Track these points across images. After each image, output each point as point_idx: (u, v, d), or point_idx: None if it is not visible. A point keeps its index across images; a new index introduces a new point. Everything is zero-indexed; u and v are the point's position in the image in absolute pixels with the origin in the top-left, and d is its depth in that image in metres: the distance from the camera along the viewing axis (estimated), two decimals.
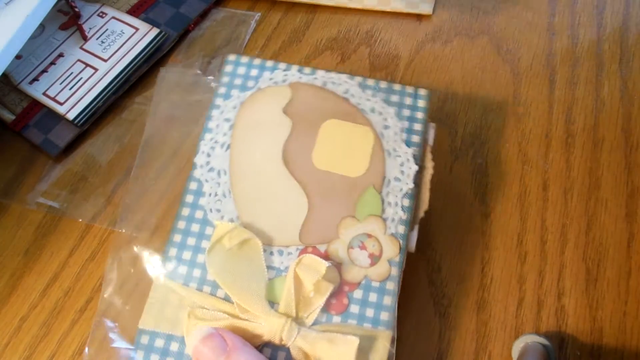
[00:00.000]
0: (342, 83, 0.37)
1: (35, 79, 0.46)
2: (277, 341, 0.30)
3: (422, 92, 0.37)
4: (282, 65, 0.38)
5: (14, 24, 0.43)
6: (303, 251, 0.33)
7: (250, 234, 0.33)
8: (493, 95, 0.44)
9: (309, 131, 0.36)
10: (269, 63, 0.38)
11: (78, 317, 0.37)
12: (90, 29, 0.48)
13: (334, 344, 0.30)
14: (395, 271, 0.32)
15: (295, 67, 0.38)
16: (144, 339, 0.32)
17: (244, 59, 0.39)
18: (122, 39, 0.47)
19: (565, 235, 0.38)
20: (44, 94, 0.45)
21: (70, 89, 0.45)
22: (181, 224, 0.34)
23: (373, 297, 0.32)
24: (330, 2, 0.49)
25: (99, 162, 0.43)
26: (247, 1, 0.51)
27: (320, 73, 0.38)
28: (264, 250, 0.33)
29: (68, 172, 0.43)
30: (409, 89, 0.37)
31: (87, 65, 0.46)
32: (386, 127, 0.36)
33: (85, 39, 0.48)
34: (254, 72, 0.38)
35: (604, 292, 0.36)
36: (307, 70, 0.38)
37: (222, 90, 0.38)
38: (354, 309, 0.32)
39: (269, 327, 0.30)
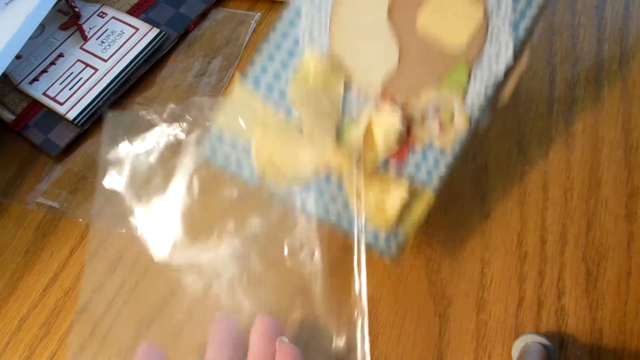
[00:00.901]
0: None
1: (35, 79, 0.46)
2: (336, 172, 0.32)
3: None
4: None
5: (14, 24, 0.43)
6: (381, 100, 0.34)
7: (336, 71, 0.34)
8: None
9: None
10: None
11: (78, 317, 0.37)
12: (90, 29, 0.48)
13: (386, 185, 0.32)
14: (458, 144, 0.34)
15: None
16: (216, 132, 0.34)
17: None
18: (122, 39, 0.47)
19: (565, 235, 0.38)
20: (44, 94, 0.45)
21: (70, 89, 0.45)
22: (273, 36, 0.34)
23: (431, 159, 0.33)
24: None
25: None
26: (247, 1, 0.51)
27: None
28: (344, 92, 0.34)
29: (68, 172, 0.43)
30: None
31: (87, 65, 0.46)
32: (499, 6, 0.34)
33: (85, 39, 0.48)
34: None
35: (604, 292, 0.36)
36: None
37: None
38: (411, 167, 0.33)
39: (336, 158, 0.32)
